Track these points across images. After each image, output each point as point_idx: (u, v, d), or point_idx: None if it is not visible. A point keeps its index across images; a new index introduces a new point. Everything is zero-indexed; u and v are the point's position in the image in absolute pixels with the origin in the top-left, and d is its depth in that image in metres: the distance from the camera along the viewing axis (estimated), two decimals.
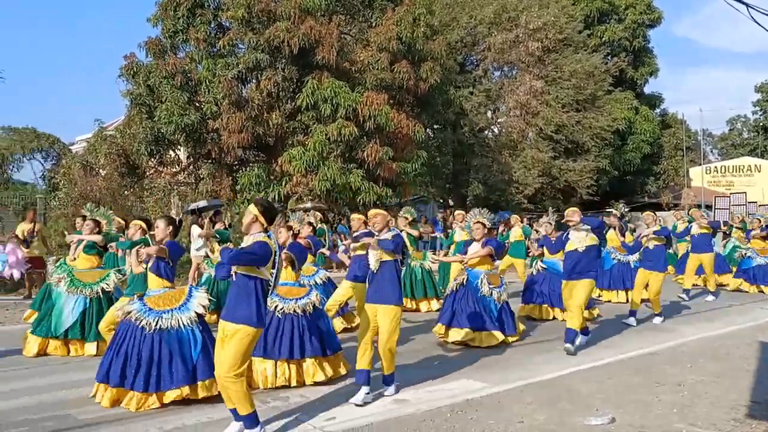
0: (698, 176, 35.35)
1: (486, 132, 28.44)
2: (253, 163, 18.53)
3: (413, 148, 18.29)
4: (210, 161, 18.74)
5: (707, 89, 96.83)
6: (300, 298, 6.28)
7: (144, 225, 6.87)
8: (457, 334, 7.86)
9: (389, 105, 17.13)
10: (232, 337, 4.51)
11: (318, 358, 6.14)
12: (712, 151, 53.33)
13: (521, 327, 8.67)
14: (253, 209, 4.76)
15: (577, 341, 7.75)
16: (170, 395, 5.31)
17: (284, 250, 6.40)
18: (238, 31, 17.19)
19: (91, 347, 7.35)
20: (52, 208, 18.49)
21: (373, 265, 5.72)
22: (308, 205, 15.96)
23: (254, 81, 17.59)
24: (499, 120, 28.28)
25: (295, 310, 6.16)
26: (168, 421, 5.02)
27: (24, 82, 73.28)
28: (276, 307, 6.12)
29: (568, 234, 8.10)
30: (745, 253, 13.56)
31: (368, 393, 5.53)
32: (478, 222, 8.20)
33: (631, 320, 9.56)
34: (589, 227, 7.89)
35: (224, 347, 4.55)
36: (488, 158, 26.34)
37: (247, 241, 4.74)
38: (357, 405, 5.40)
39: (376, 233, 5.91)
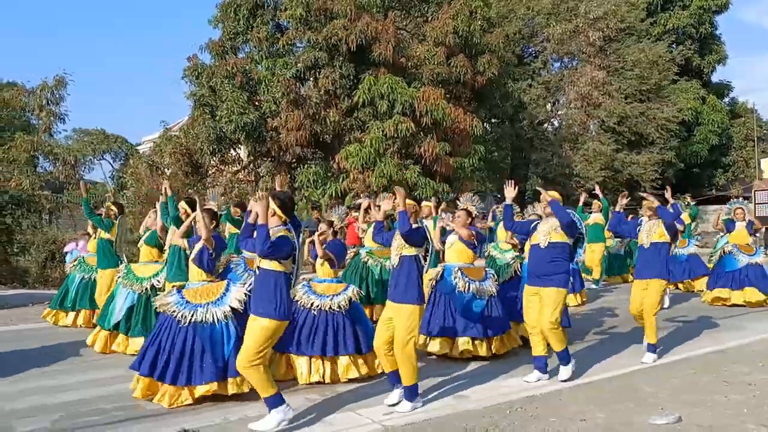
0: None
1: (545, 125, 27.98)
2: (311, 161, 18.79)
3: (470, 142, 18.15)
4: (269, 159, 19.15)
5: None
6: (336, 295, 6.21)
7: (188, 208, 6.95)
8: (433, 346, 6.88)
9: (446, 99, 17.06)
10: (252, 329, 4.63)
11: (353, 356, 6.03)
12: None
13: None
14: (271, 203, 4.71)
15: (568, 367, 6.12)
16: (200, 390, 5.27)
17: (324, 249, 6.43)
18: (296, 30, 17.45)
19: (137, 342, 7.01)
20: None
21: (393, 258, 5.28)
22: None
23: (312, 79, 17.82)
24: (559, 112, 27.78)
25: (331, 307, 6.10)
26: (232, 412, 5.15)
27: (94, 84, 76.34)
28: (312, 303, 6.12)
29: (538, 223, 6.37)
30: (726, 250, 11.03)
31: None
32: (463, 210, 6.99)
33: (649, 357, 6.96)
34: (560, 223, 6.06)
35: (245, 338, 4.69)
36: (548, 152, 25.87)
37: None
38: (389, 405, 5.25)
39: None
